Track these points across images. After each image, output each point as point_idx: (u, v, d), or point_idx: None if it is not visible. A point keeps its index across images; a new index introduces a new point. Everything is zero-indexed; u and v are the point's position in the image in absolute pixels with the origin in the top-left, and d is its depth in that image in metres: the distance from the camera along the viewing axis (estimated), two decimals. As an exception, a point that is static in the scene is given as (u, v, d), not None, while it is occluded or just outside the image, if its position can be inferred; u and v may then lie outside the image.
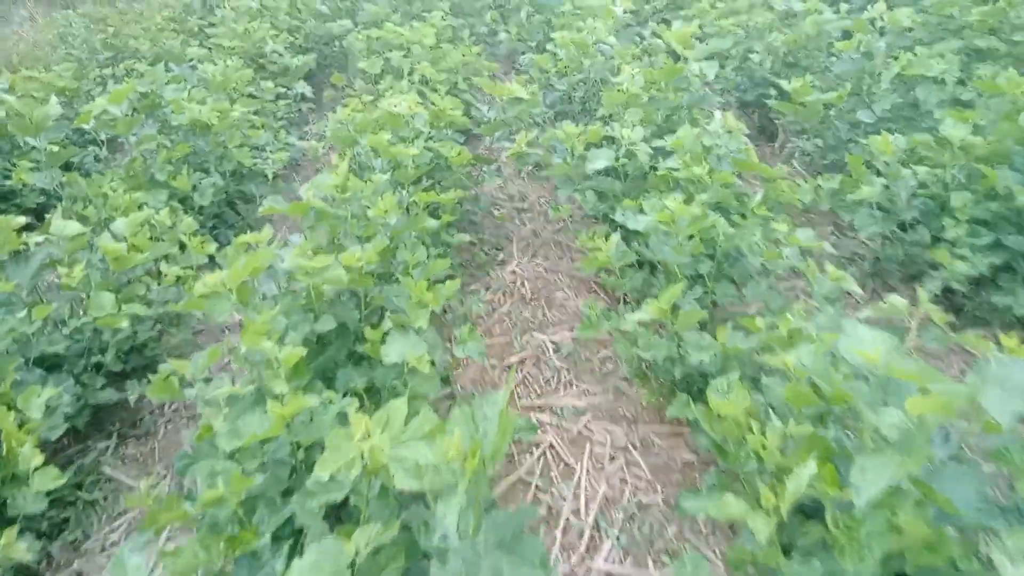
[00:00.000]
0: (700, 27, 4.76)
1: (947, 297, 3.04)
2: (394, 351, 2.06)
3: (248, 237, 2.41)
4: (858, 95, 3.63)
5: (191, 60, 5.56)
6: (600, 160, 2.95)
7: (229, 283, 2.11)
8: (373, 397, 2.18)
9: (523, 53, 5.56)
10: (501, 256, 3.82)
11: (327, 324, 2.16)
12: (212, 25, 6.56)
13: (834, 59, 4.40)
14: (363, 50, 5.27)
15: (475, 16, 7.16)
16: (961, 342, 2.14)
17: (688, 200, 2.73)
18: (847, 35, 3.91)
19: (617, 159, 2.99)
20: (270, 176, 3.90)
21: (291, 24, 6.36)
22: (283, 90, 5.14)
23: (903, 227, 3.00)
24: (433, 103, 3.89)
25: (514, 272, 3.67)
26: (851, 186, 3.00)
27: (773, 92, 4.34)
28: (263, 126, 4.61)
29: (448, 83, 4.89)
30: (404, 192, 2.89)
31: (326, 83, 6.15)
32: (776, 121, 4.64)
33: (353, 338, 2.29)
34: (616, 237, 2.55)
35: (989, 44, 4.10)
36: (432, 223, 2.55)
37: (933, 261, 2.96)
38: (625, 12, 4.62)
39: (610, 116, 3.46)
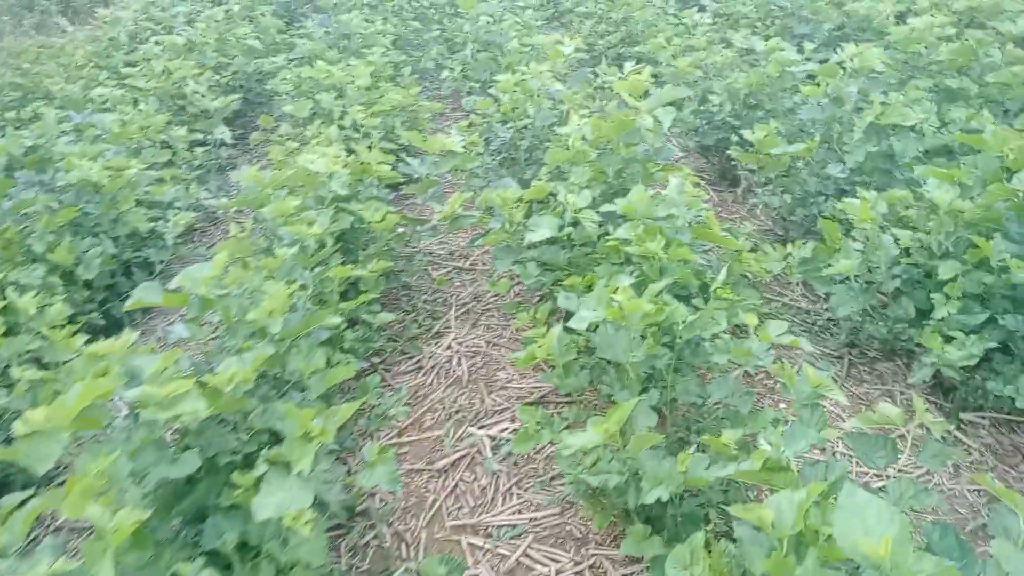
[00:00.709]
0: (655, 71, 4.43)
1: (935, 376, 2.69)
2: (269, 504, 1.61)
3: (102, 346, 1.94)
4: (827, 144, 3.30)
5: (103, 102, 5.06)
6: (542, 230, 2.55)
7: (57, 420, 1.64)
8: (248, 557, 1.72)
9: (468, 93, 5.17)
10: (437, 327, 3.38)
11: (187, 466, 1.69)
12: (133, 64, 6.06)
13: (799, 102, 4.10)
14: (290, 92, 4.84)
15: (422, 50, 6.79)
16: (963, 455, 1.77)
17: (642, 281, 2.34)
18: (813, 76, 3.60)
19: (562, 227, 2.59)
20: (169, 241, 3.43)
21: (219, 61, 5.90)
22: (201, 136, 4.67)
23: (885, 300, 2.65)
24: (359, 156, 3.46)
25: (451, 348, 3.23)
26: (825, 254, 2.64)
27: (735, 137, 4.01)
28: (172, 179, 4.13)
29: (384, 128, 4.48)
30: (307, 273, 2.45)
31: (255, 124, 5.70)
32: (737, 168, 4.32)
33: (226, 475, 1.83)
34: (558, 330, 2.13)
35: (961, 84, 3.83)
36: (333, 321, 2.11)
37: (918, 337, 2.61)
38: (576, 51, 4.27)
39: (557, 171, 3.06)
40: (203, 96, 5.01)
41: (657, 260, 2.32)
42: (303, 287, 2.32)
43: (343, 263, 2.98)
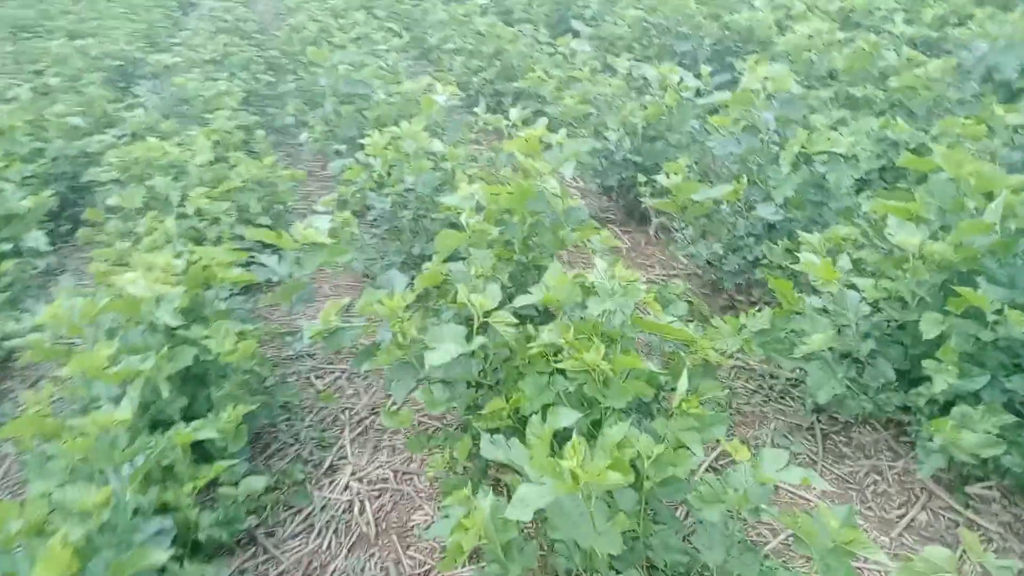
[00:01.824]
0: (539, 109, 3.97)
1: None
2: None
3: None
4: (750, 180, 2.91)
5: None
6: (445, 347, 1.96)
7: None
8: None
9: (336, 154, 4.53)
10: (329, 459, 2.71)
11: None
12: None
13: (698, 129, 3.73)
14: (118, 178, 4.04)
15: (278, 104, 6.08)
16: None
17: (585, 401, 1.80)
18: (717, 107, 3.22)
19: (469, 337, 2.01)
20: None
21: (33, 148, 4.97)
22: (12, 244, 3.79)
23: (860, 365, 2.23)
24: (199, 259, 2.76)
25: (349, 488, 2.57)
26: (782, 319, 2.20)
27: (641, 177, 3.58)
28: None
29: (237, 209, 3.77)
30: (121, 473, 1.75)
31: (83, 217, 4.82)
32: (643, 204, 3.90)
33: None
34: (489, 501, 1.54)
35: (865, 93, 3.56)
36: (155, 559, 1.44)
37: (907, 403, 2.20)
38: (449, 99, 3.74)
39: (450, 257, 2.49)
40: (6, 196, 4.11)
41: (599, 373, 1.78)
42: (109, 507, 1.62)
43: (187, 413, 2.29)
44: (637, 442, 1.56)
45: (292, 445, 2.79)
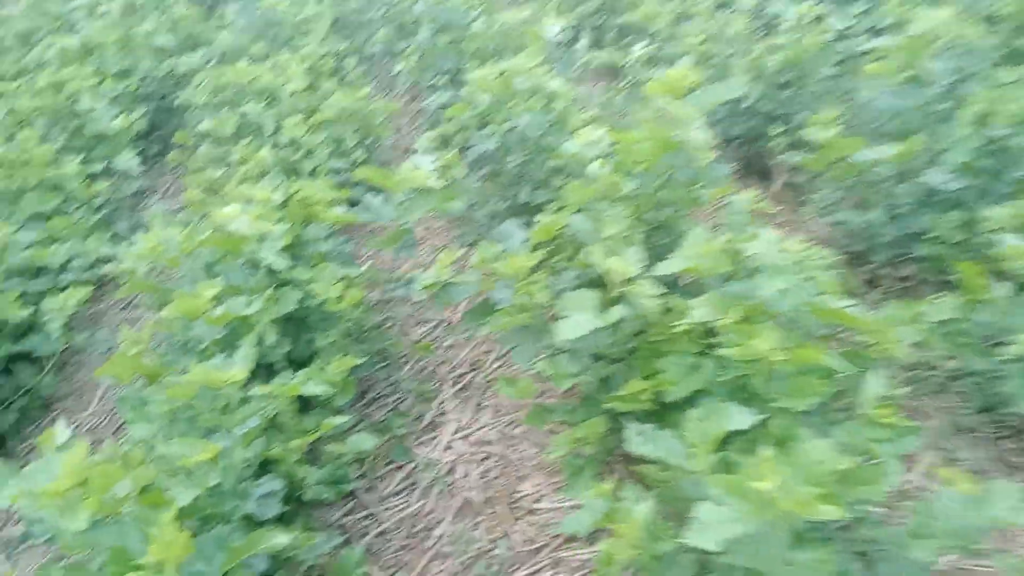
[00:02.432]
0: (654, 47, 3.62)
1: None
2: None
3: None
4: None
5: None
6: (580, 319, 1.75)
7: None
8: None
9: (430, 84, 4.28)
10: (429, 415, 2.57)
11: None
12: (19, 76, 5.00)
13: (834, 75, 3.34)
14: (209, 102, 3.89)
15: (364, 29, 5.83)
16: None
17: (745, 395, 1.58)
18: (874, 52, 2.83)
19: (604, 308, 1.79)
20: (53, 333, 2.52)
21: (122, 66, 4.87)
22: (104, 164, 3.71)
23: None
24: (299, 195, 2.60)
25: (451, 448, 2.43)
26: (967, 309, 1.90)
27: (769, 128, 3.24)
28: (65, 232, 3.20)
29: (331, 142, 3.59)
30: (235, 435, 1.61)
31: (170, 141, 4.73)
32: (767, 160, 3.56)
33: None
34: (646, 509, 1.34)
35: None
36: (277, 542, 1.30)
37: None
38: (561, 32, 3.42)
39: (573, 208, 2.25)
40: (98, 115, 4.02)
41: (767, 365, 1.55)
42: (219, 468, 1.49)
43: (292, 361, 2.16)
44: (824, 455, 1.33)
45: (390, 396, 2.66)
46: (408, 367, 2.80)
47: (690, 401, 1.68)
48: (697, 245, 1.89)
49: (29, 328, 2.69)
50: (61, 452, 1.32)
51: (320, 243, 2.47)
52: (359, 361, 2.08)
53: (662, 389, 1.72)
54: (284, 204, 2.92)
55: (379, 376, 2.71)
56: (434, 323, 3.02)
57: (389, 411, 2.60)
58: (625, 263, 1.81)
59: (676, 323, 1.75)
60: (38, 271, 2.95)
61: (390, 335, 2.73)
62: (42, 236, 3.05)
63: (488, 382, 2.68)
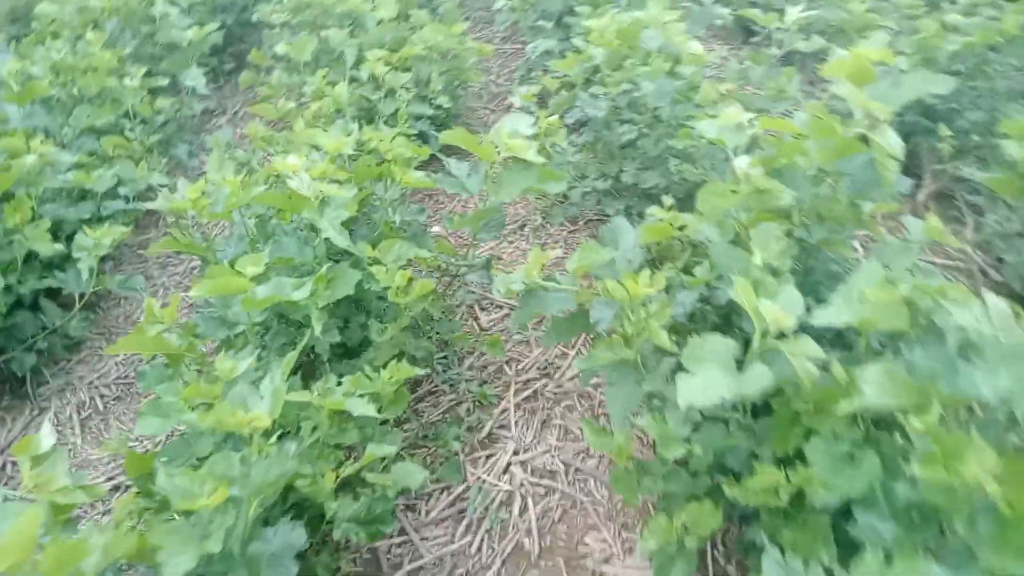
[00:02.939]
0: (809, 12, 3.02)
1: None
2: None
3: None
4: None
5: (49, 23, 3.78)
6: (708, 379, 1.31)
7: None
8: None
9: (532, 26, 3.78)
10: (488, 425, 2.20)
11: None
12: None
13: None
14: (288, 22, 3.50)
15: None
16: None
17: (927, 517, 1.15)
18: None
19: (742, 366, 1.35)
20: (84, 275, 2.22)
21: (204, -32, 4.51)
22: (165, 82, 3.39)
23: None
24: (375, 149, 2.21)
25: (509, 473, 2.06)
26: None
27: (936, 127, 2.68)
28: (117, 152, 2.90)
29: (415, 81, 3.17)
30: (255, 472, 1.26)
31: (243, 66, 4.38)
32: (915, 162, 2.98)
33: None
34: None
35: None
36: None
37: None
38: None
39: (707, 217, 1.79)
40: (172, 22, 3.68)
41: (974, 498, 1.10)
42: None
43: (340, 347, 1.81)
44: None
45: (447, 394, 2.30)
46: (471, 359, 2.43)
47: (846, 514, 1.26)
48: (874, 289, 1.42)
49: (62, 261, 2.41)
50: (10, 517, 0.99)
51: (389, 209, 2.08)
52: (419, 372, 1.71)
53: (804, 485, 1.30)
54: (355, 155, 2.56)
55: (437, 368, 2.35)
56: (505, 310, 2.63)
57: (443, 413, 2.24)
58: (781, 309, 1.36)
59: (838, 402, 1.30)
60: (82, 195, 2.67)
61: (456, 324, 2.35)
62: (89, 156, 2.76)
63: (558, 395, 2.29)
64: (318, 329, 1.69)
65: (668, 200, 2.14)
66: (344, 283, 1.78)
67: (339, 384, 1.60)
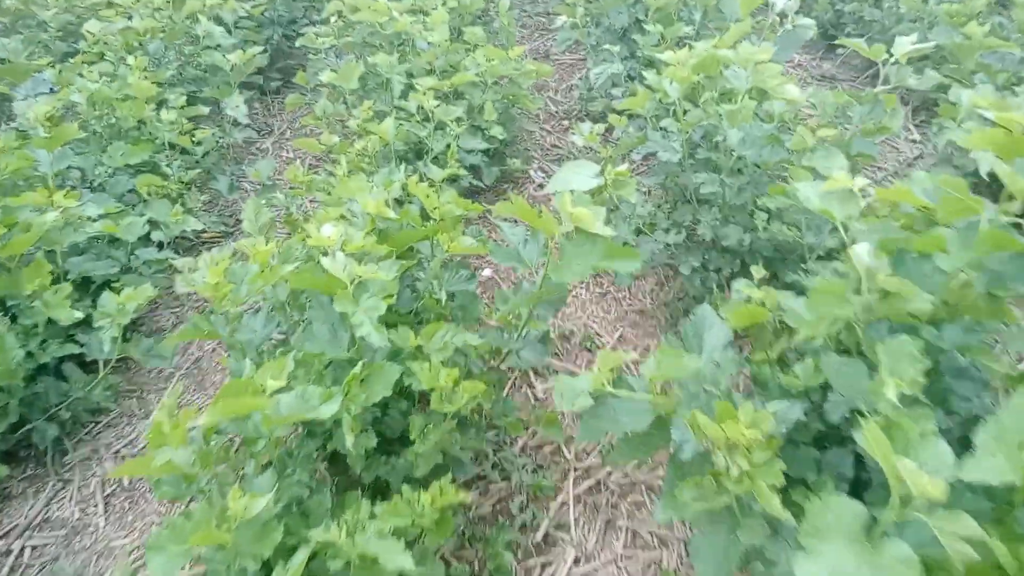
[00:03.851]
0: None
1: None
2: None
3: None
4: None
5: (95, 43, 3.65)
6: (831, 558, 1.03)
7: None
8: None
9: (595, 45, 3.47)
10: (545, 525, 1.94)
11: None
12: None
13: None
14: (332, 45, 3.28)
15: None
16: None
17: None
18: None
19: (872, 530, 1.05)
20: (106, 346, 2.02)
21: (250, -17, 4.34)
22: (207, 110, 3.21)
23: None
24: (417, 195, 1.96)
25: (569, 587, 1.80)
26: None
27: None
28: (150, 192, 2.73)
29: (468, 112, 2.91)
30: None
31: (289, 83, 4.20)
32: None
33: None
34: None
35: None
36: None
37: None
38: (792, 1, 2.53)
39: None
40: (216, 44, 3.51)
41: None
42: None
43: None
44: None
45: (497, 482, 2.04)
46: (525, 440, 2.16)
47: None
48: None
49: (85, 322, 2.25)
50: None
51: (434, 282, 1.82)
52: (464, 499, 1.46)
53: None
54: (401, 199, 2.33)
55: (487, 449, 2.10)
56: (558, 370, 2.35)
57: (493, 505, 1.99)
58: (927, 471, 1.06)
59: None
60: (112, 240, 2.50)
61: (510, 403, 2.09)
62: (122, 197, 2.59)
63: (624, 487, 2.01)
64: (350, 441, 1.45)
65: (758, 271, 1.85)
66: (382, 382, 1.54)
67: (372, 516, 1.36)
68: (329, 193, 2.48)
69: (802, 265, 2.15)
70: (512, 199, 1.66)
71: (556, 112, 3.96)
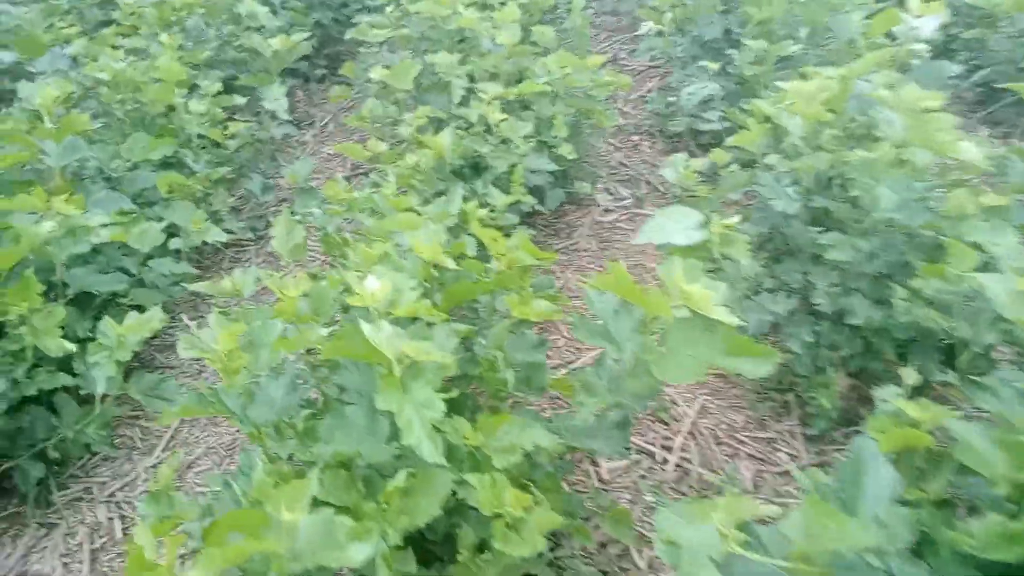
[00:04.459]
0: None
1: None
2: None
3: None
4: None
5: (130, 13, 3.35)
6: None
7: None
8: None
9: (683, 59, 3.07)
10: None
11: None
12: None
13: None
14: (387, 38, 2.92)
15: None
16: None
17: None
18: None
19: None
20: (102, 384, 1.68)
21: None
22: (242, 100, 2.87)
23: None
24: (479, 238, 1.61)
25: None
26: None
27: None
28: (172, 193, 2.40)
29: (536, 126, 2.54)
30: None
31: (336, 72, 3.85)
32: None
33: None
34: None
35: None
36: None
37: None
38: (940, 29, 2.11)
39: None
40: (261, 25, 3.17)
41: None
42: None
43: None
44: None
45: None
46: (600, 540, 1.80)
47: None
48: None
49: (85, 342, 1.93)
50: None
51: (498, 356, 1.46)
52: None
53: None
54: (455, 230, 2.00)
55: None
56: (634, 455, 1.99)
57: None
58: None
59: None
60: (124, 247, 2.18)
61: (573, 498, 1.73)
62: (141, 196, 2.27)
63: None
64: (385, 577, 1.11)
65: (909, 375, 1.47)
66: (429, 497, 1.19)
67: None
68: (373, 211, 2.15)
69: (943, 359, 1.76)
70: (613, 269, 1.29)
71: (625, 126, 3.57)
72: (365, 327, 1.24)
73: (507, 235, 1.68)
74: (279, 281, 1.59)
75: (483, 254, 1.70)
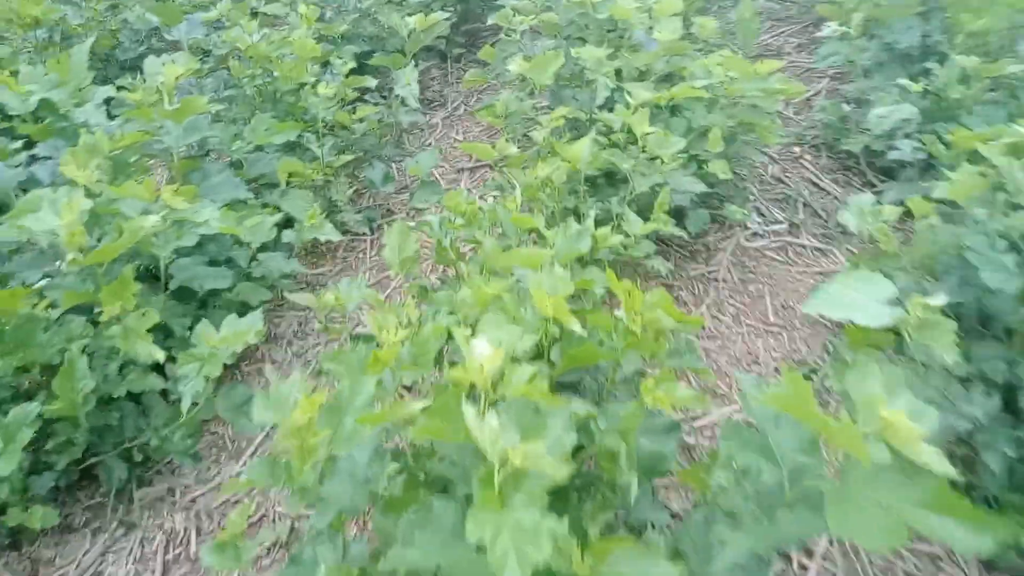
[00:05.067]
0: None
1: None
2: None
3: None
4: None
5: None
6: None
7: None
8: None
9: (867, 69, 2.60)
10: None
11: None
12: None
13: None
14: (524, 31, 2.65)
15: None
16: None
17: None
18: None
19: None
20: (188, 399, 1.55)
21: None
22: (373, 83, 2.70)
23: None
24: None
25: None
26: None
27: None
28: (290, 181, 2.27)
29: (686, 133, 2.22)
30: None
31: (474, 50, 3.63)
32: None
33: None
34: None
35: None
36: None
37: None
38: None
39: None
40: None
41: None
42: None
43: None
44: None
45: None
46: None
47: None
48: None
49: (180, 339, 1.83)
50: None
51: (623, 458, 1.19)
52: None
53: None
54: (585, 261, 1.76)
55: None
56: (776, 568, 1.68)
57: None
58: None
59: None
60: (235, 239, 2.07)
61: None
62: (257, 181, 2.15)
63: None
64: None
65: None
66: None
67: None
68: (493, 225, 1.92)
69: None
70: (791, 381, 0.98)
71: (785, 134, 3.14)
72: (468, 414, 1.01)
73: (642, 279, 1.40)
74: (382, 319, 1.39)
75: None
